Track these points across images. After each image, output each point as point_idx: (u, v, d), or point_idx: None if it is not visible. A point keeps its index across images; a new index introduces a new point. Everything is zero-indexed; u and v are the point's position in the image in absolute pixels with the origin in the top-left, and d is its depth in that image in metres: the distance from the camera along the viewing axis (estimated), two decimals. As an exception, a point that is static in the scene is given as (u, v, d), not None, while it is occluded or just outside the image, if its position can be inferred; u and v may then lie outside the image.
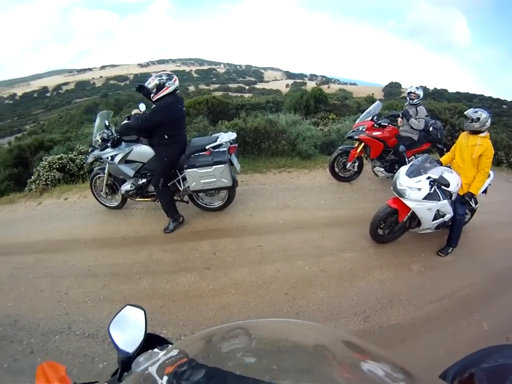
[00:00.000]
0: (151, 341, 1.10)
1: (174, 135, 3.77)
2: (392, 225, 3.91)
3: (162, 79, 3.64)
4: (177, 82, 3.71)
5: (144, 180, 4.03)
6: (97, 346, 2.65)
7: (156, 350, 1.02)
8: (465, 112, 3.90)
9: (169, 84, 3.64)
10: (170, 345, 1.08)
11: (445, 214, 3.82)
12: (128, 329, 1.07)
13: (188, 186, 3.98)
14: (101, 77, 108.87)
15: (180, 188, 4.09)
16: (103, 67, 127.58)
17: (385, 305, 3.26)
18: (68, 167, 6.03)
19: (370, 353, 0.91)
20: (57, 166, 5.95)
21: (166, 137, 3.74)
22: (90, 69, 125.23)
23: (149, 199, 4.21)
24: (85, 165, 5.99)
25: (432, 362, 2.74)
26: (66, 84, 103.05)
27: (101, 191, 4.41)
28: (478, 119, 3.65)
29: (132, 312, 1.12)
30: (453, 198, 3.87)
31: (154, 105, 3.74)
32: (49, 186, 5.66)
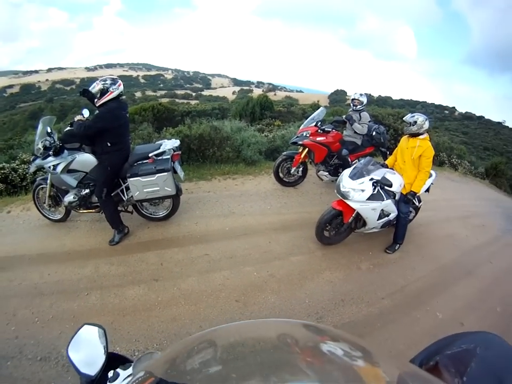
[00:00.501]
0: (112, 360, 1.04)
1: (117, 142, 3.65)
2: (338, 227, 4.00)
3: (107, 84, 3.51)
4: (121, 87, 3.60)
5: (87, 190, 3.86)
6: (51, 370, 2.52)
7: (118, 370, 0.98)
8: (403, 118, 4.12)
9: (113, 89, 3.53)
10: (132, 364, 1.03)
11: (390, 213, 3.97)
12: (87, 350, 1.02)
13: (132, 196, 3.86)
14: (47, 80, 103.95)
15: (124, 198, 3.96)
16: (49, 70, 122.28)
17: (338, 305, 3.33)
18: (10, 177, 5.63)
19: (330, 334, 0.97)
20: (-1, 177, 5.57)
21: (109, 144, 3.61)
22: (36, 71, 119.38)
23: (93, 211, 4.04)
24: (27, 175, 5.64)
25: (390, 355, 2.78)
26: (11, 86, 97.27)
27: (44, 203, 4.17)
28: (415, 122, 3.86)
29: (90, 332, 1.06)
30: (397, 197, 4.03)
31: (97, 111, 3.61)
32: (-10, 198, 5.30)
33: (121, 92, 3.63)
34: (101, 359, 0.98)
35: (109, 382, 0.93)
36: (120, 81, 3.62)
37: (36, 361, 2.60)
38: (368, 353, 0.85)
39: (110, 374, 0.96)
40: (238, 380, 0.68)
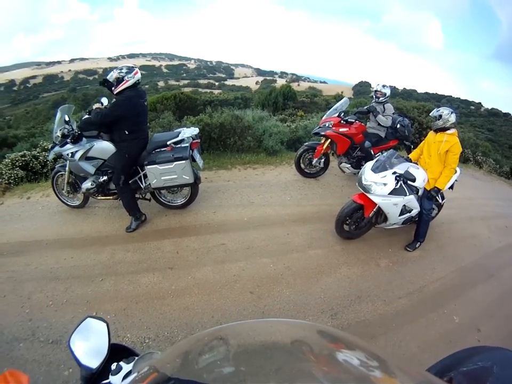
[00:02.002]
0: (115, 352, 1.05)
1: (134, 130, 3.65)
2: (358, 221, 3.90)
3: (122, 72, 3.52)
4: (137, 76, 3.59)
5: (105, 177, 3.88)
6: (61, 353, 2.55)
7: (121, 363, 0.96)
8: (430, 114, 3.98)
9: (128, 78, 3.52)
10: (136, 357, 1.02)
11: (412, 209, 3.84)
12: (90, 343, 1.02)
13: (149, 184, 3.86)
14: (69, 70, 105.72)
15: (142, 185, 3.97)
16: (72, 60, 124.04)
17: (353, 302, 3.25)
18: (31, 164, 5.77)
19: (345, 341, 0.92)
20: (20, 164, 5.67)
21: (127, 132, 3.62)
22: (59, 62, 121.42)
23: (111, 197, 4.07)
24: (48, 162, 5.75)
25: (403, 358, 2.76)
26: (34, 77, 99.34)
27: (63, 189, 4.24)
28: (440, 116, 3.73)
29: (93, 325, 1.07)
30: (420, 193, 3.89)
31: (114, 99, 3.61)
32: (12, 185, 5.41)
33: (138, 80, 3.62)
34: (102, 352, 0.99)
35: (111, 375, 0.92)
36: (136, 70, 3.61)
37: (48, 344, 2.64)
38: (384, 362, 0.81)
39: (113, 366, 0.95)
40: (252, 382, 0.66)
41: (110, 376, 0.92)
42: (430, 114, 3.93)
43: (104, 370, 0.97)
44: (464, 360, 1.06)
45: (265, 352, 0.82)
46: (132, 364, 0.95)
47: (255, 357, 0.80)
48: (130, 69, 3.58)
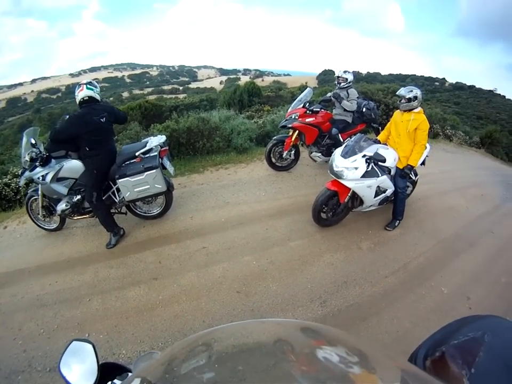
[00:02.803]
0: (107, 371, 1.07)
1: (94, 147, 3.59)
2: (334, 208, 3.95)
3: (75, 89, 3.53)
4: (82, 93, 3.50)
5: (78, 197, 3.83)
6: (60, 380, 2.44)
7: (116, 380, 1.01)
8: (397, 93, 3.96)
9: (76, 95, 3.52)
10: (130, 374, 1.05)
11: (386, 189, 3.93)
12: (79, 365, 1.03)
13: (123, 197, 3.82)
14: (32, 91, 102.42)
15: (116, 200, 3.93)
16: (33, 80, 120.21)
17: (340, 287, 3.31)
18: (3, 192, 5.61)
19: (327, 337, 0.94)
20: (-8, 193, 5.53)
21: (87, 149, 3.58)
22: (21, 84, 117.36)
23: (87, 216, 4.01)
24: (20, 188, 5.62)
25: (398, 334, 2.83)
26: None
27: (38, 214, 4.13)
28: (416, 97, 3.77)
29: (79, 347, 1.07)
30: (392, 173, 3.98)
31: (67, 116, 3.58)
32: (-15, 216, 5.28)
33: (85, 97, 3.51)
34: (93, 373, 1.00)
35: None
36: (82, 86, 3.53)
37: (46, 373, 2.61)
38: (365, 357, 0.84)
39: None
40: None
41: None
42: (399, 93, 3.90)
43: None
44: (454, 333, 1.08)
45: (247, 354, 0.85)
46: (127, 380, 0.97)
47: (237, 360, 0.82)
48: (78, 85, 3.55)
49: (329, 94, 5.34)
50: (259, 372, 0.73)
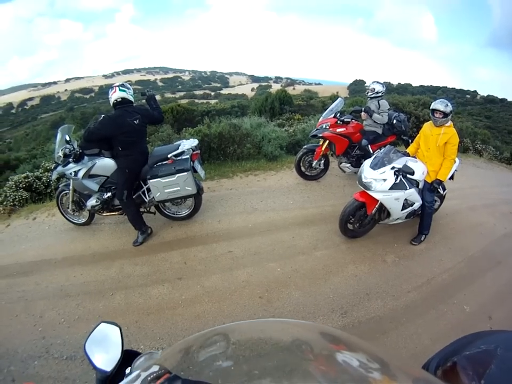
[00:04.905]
0: (129, 357, 1.08)
1: (127, 147, 3.69)
2: (361, 219, 3.91)
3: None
4: (116, 95, 3.60)
5: (109, 194, 3.93)
6: (76, 368, 2.58)
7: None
8: (432, 106, 3.75)
9: (109, 97, 3.63)
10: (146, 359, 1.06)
11: (414, 203, 3.86)
12: (104, 347, 1.05)
13: (153, 197, 3.89)
14: (66, 90, 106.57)
15: (145, 199, 4.01)
16: (67, 80, 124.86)
17: (363, 299, 3.26)
18: (34, 185, 5.84)
19: (347, 343, 0.93)
20: (24, 185, 5.75)
21: (120, 149, 3.69)
22: (55, 83, 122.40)
23: (116, 213, 4.12)
24: (51, 182, 5.81)
25: (416, 350, 2.76)
26: (31, 99, 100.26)
27: (68, 208, 4.28)
28: (452, 111, 3.68)
29: (107, 329, 1.10)
30: (420, 186, 3.91)
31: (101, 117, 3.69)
32: (17, 206, 5.46)
33: (119, 98, 3.61)
34: (116, 356, 1.02)
35: (126, 377, 0.95)
36: (115, 88, 3.63)
37: (62, 360, 2.67)
38: (386, 364, 0.82)
39: (127, 370, 0.99)
40: (249, 378, 0.67)
41: (124, 379, 0.95)
42: (433, 107, 3.72)
43: (119, 374, 1.00)
44: (467, 345, 1.07)
45: (265, 350, 0.85)
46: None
47: (255, 354, 0.82)
48: (111, 88, 3.65)
49: (362, 108, 5.29)
50: (276, 367, 0.72)
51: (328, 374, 0.71)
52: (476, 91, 79.54)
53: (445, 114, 3.65)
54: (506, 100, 70.91)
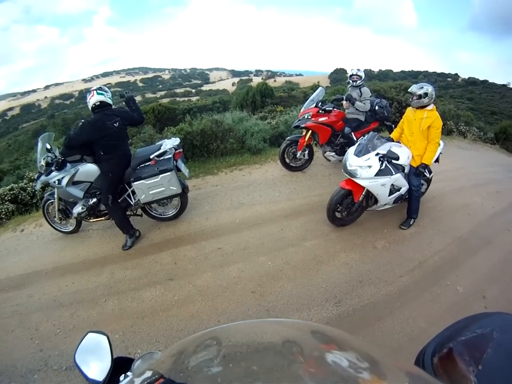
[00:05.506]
0: (120, 364, 1.07)
1: (109, 151, 3.64)
2: (349, 207, 3.93)
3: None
4: (93, 99, 3.53)
5: (94, 200, 3.89)
6: (76, 378, 2.56)
7: (129, 373, 1.00)
8: (409, 90, 3.90)
9: (87, 102, 3.59)
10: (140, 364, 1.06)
11: (400, 188, 3.89)
12: (94, 357, 1.05)
13: (138, 200, 3.87)
14: (45, 97, 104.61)
15: (131, 202, 3.98)
16: (47, 87, 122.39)
17: (355, 287, 3.29)
18: (20, 197, 5.73)
19: (338, 342, 0.93)
20: (9, 198, 5.64)
21: (102, 153, 3.64)
22: (34, 91, 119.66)
23: (103, 218, 4.08)
24: (36, 192, 5.72)
25: (413, 334, 2.79)
26: (11, 109, 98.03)
27: (54, 217, 4.22)
28: (426, 94, 3.71)
29: (95, 339, 1.10)
30: (406, 171, 3.94)
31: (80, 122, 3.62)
32: (4, 219, 5.39)
33: (97, 102, 3.55)
34: (107, 365, 1.01)
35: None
36: (92, 92, 3.57)
37: (62, 371, 2.64)
38: (375, 363, 0.83)
39: (122, 377, 0.98)
40: (239, 382, 0.68)
41: None
42: (410, 90, 3.85)
43: (112, 382, 0.99)
44: (462, 329, 1.06)
45: (254, 352, 0.85)
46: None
47: (244, 356, 0.82)
48: (88, 93, 3.59)
49: (343, 96, 5.32)
50: (266, 370, 0.73)
51: (317, 376, 0.71)
52: (457, 74, 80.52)
53: (419, 96, 3.73)
54: (487, 81, 71.96)
